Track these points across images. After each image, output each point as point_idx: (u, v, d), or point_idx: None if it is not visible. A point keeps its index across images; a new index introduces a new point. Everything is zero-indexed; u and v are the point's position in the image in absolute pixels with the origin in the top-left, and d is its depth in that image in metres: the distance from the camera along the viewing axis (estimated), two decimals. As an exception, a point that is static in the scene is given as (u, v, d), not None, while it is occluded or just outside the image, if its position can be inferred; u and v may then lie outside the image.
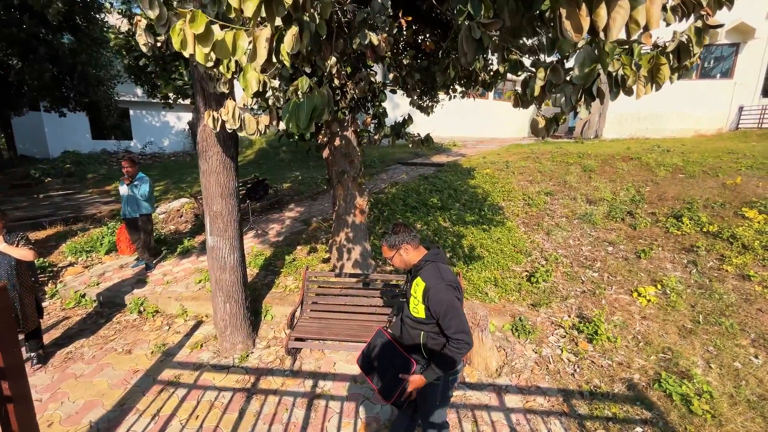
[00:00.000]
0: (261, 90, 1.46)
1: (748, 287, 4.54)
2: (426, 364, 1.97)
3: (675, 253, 5.42)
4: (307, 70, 2.83)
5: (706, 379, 3.27)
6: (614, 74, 1.28)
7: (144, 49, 2.16)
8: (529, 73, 1.55)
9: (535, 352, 3.77)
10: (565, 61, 1.53)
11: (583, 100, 1.34)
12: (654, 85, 1.30)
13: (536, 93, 1.46)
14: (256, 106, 2.79)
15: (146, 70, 5.62)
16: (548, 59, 1.59)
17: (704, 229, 5.75)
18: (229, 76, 1.65)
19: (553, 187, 8.18)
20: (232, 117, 2.08)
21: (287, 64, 1.28)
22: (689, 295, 4.50)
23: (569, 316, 4.29)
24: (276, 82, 1.62)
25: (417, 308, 1.94)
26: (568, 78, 1.35)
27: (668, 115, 14.28)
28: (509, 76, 4.15)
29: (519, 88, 2.19)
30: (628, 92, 1.27)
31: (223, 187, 3.42)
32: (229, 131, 2.31)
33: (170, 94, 5.22)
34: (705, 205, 6.45)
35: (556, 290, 4.80)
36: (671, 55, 1.27)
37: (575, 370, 3.50)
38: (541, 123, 2.11)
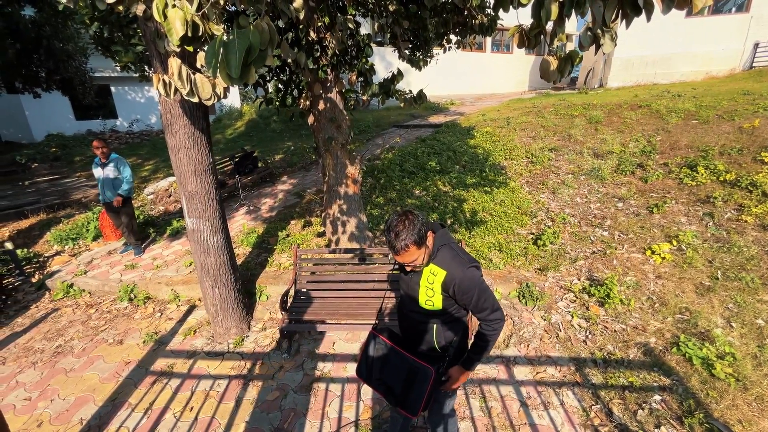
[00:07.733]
0: (191, 35, 1.11)
1: (770, 238, 4.27)
2: (445, 358, 1.75)
3: (690, 206, 5.11)
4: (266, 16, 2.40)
5: (727, 339, 3.08)
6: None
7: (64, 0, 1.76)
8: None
9: (544, 320, 3.59)
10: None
11: (620, 17, 0.99)
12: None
13: (553, 16, 1.09)
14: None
15: (112, 39, 5.08)
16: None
17: (721, 178, 5.40)
18: (158, 18, 1.28)
19: (558, 143, 7.74)
20: (179, 78, 1.72)
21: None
22: (706, 250, 4.24)
23: (579, 279, 4.07)
24: (219, 27, 1.25)
25: (432, 300, 1.63)
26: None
27: (677, 58, 13.43)
28: (503, 23, 3.65)
29: (524, 23, 1.80)
30: (684, 2, 0.92)
31: (196, 164, 3.08)
32: (186, 97, 1.95)
33: (131, 63, 4.71)
34: (721, 152, 6.05)
35: (564, 252, 4.55)
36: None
37: (587, 337, 3.32)
38: (553, 64, 1.74)
